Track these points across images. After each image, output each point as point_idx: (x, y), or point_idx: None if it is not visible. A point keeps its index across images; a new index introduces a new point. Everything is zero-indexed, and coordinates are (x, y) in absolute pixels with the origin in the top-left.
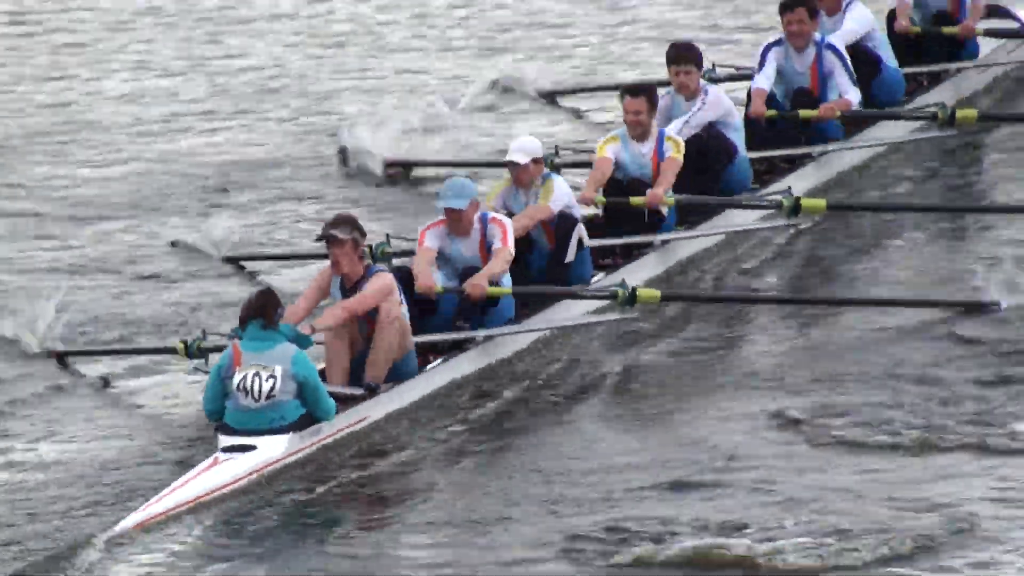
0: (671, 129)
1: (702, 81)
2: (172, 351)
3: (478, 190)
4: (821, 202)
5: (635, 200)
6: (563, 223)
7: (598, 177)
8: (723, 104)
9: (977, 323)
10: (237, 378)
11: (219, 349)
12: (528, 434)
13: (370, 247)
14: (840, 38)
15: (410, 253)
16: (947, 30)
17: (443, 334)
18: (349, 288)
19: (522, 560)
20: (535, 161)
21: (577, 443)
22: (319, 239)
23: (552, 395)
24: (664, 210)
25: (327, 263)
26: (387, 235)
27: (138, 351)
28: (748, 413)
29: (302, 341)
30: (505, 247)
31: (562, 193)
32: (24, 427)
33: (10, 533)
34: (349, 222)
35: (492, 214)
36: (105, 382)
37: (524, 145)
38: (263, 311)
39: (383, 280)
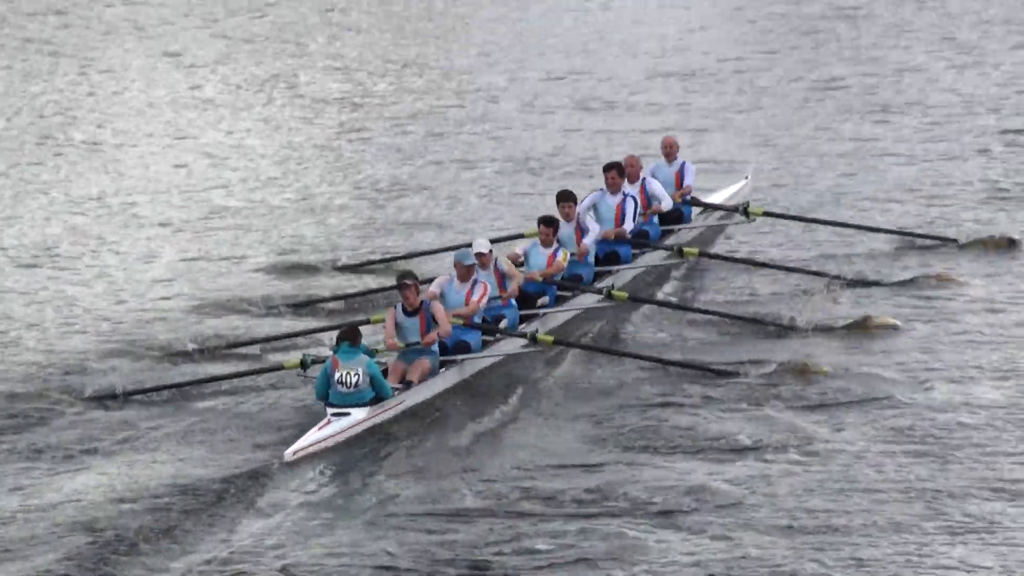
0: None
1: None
2: (281, 367)
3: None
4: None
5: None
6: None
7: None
8: (592, 226)
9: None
10: (336, 375)
11: (320, 361)
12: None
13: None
14: (636, 197)
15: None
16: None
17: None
18: (411, 312)
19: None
20: (490, 252)
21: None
22: (396, 285)
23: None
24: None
25: (390, 308)
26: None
27: (262, 370)
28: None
29: (370, 354)
30: (477, 301)
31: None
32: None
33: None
34: (411, 275)
35: (482, 280)
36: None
37: (483, 242)
38: (351, 336)
39: (442, 308)
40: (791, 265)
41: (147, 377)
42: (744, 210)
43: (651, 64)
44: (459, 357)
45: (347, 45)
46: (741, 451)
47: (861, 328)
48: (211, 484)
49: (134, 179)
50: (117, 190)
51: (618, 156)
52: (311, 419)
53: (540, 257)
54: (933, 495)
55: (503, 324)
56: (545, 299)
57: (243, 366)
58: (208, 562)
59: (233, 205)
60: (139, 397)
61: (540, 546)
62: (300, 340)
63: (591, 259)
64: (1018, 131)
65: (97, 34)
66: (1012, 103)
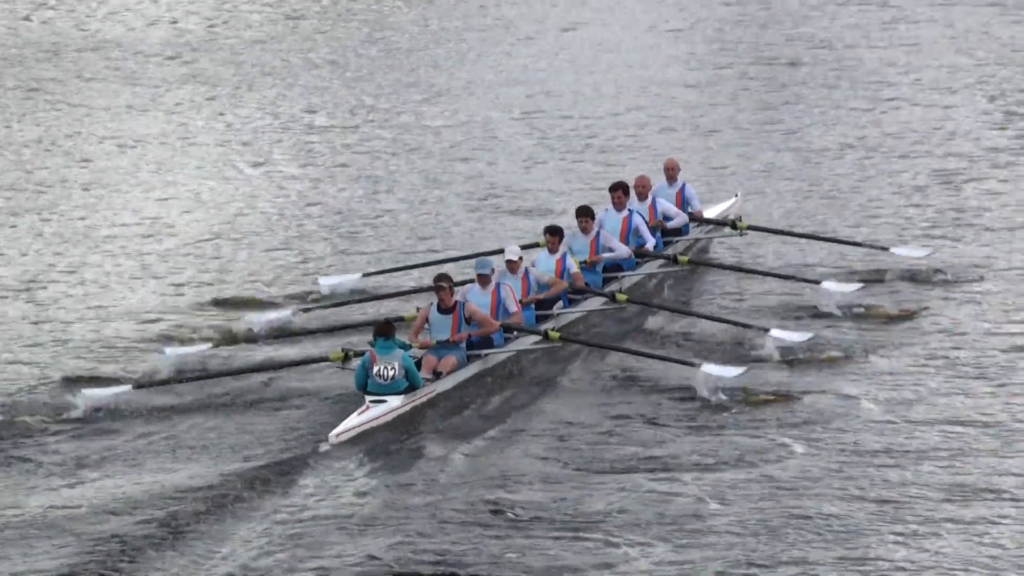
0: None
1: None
2: (326, 359)
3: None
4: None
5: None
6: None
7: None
8: (607, 236)
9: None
10: (375, 369)
11: (359, 354)
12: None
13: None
14: (644, 214)
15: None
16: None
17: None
18: (444, 311)
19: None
20: (520, 259)
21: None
22: (432, 287)
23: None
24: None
25: (427, 304)
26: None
27: (308, 360)
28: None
29: (405, 347)
30: (518, 310)
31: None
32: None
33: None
34: (447, 278)
35: (505, 283)
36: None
37: (515, 249)
38: (386, 332)
39: (475, 307)
40: (770, 271)
41: (193, 365)
42: (733, 224)
43: (608, 104)
44: (483, 352)
45: (315, 89)
46: (702, 465)
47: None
48: (260, 466)
49: (122, 209)
50: (109, 220)
51: (583, 188)
52: (349, 406)
53: (548, 263)
54: (878, 504)
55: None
56: (559, 303)
57: (285, 360)
58: (255, 540)
59: (216, 233)
60: (187, 385)
61: (513, 545)
62: (314, 337)
63: (599, 268)
64: (951, 167)
65: (79, 78)
66: (942, 135)
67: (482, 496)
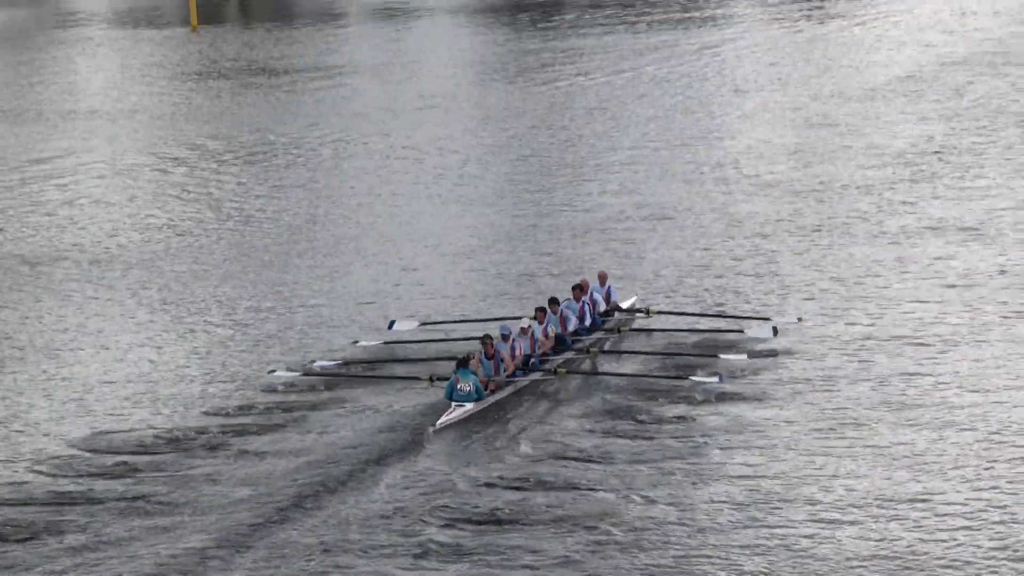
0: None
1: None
2: (418, 379)
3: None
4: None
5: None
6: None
7: None
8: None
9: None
10: (458, 386)
11: (443, 379)
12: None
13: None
14: (589, 304)
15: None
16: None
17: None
18: (488, 357)
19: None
20: (529, 327)
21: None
22: (481, 340)
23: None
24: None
25: (476, 353)
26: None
27: (399, 378)
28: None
29: (475, 374)
30: (514, 360)
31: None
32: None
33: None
34: (488, 336)
35: (517, 340)
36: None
37: (525, 320)
38: (465, 363)
39: (507, 355)
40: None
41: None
42: (647, 311)
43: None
44: (515, 379)
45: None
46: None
47: None
48: (385, 445)
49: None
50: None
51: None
52: (438, 410)
53: (538, 331)
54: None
55: (531, 362)
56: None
57: (384, 382)
58: (394, 486)
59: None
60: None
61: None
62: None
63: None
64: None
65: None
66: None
67: (526, 467)
